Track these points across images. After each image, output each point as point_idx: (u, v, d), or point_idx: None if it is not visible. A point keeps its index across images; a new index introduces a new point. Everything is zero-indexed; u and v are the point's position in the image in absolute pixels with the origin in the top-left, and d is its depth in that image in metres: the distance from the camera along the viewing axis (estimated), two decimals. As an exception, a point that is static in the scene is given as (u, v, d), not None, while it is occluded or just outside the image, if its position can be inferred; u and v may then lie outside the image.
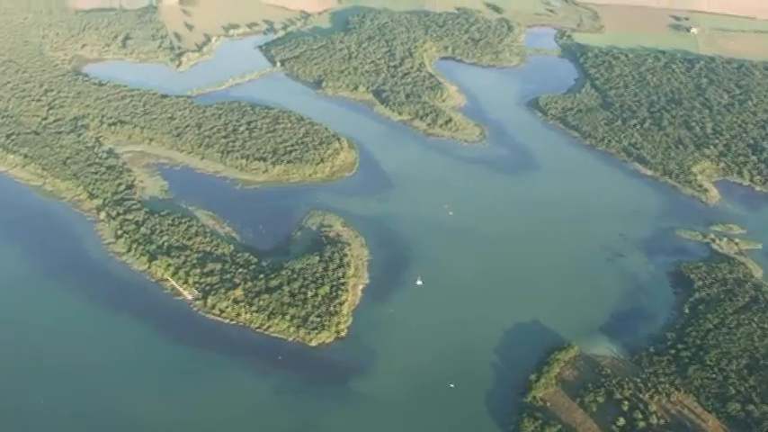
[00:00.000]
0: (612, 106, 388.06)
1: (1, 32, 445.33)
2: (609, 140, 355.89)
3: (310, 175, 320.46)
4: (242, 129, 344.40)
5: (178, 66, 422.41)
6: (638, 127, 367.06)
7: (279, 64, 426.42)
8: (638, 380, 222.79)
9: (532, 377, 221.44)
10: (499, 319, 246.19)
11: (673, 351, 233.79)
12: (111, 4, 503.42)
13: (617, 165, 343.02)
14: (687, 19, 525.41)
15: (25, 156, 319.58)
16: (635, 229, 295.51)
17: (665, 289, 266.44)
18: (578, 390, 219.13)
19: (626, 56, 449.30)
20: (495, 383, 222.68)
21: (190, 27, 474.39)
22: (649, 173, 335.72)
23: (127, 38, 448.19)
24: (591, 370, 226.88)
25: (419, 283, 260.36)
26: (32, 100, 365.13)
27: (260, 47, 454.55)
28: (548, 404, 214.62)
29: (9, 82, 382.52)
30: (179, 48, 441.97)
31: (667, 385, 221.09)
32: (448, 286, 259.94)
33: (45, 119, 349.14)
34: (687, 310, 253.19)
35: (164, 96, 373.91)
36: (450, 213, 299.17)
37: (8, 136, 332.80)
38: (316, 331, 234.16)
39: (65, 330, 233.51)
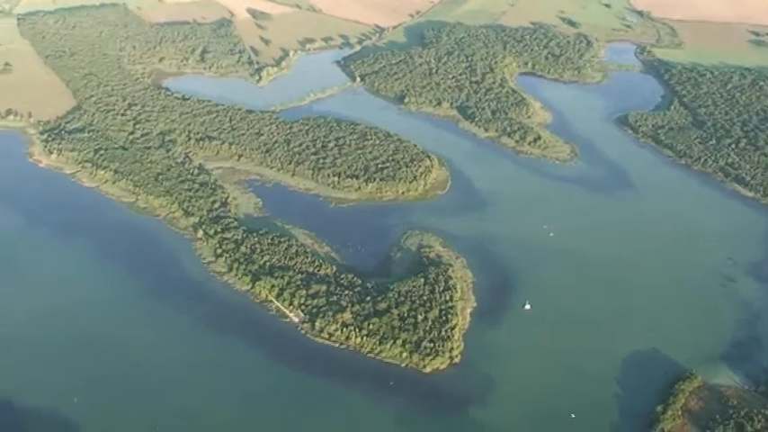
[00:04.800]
0: (704, 125, 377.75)
1: (79, 46, 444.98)
2: (705, 160, 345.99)
3: (403, 194, 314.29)
4: (331, 145, 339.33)
5: (258, 80, 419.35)
6: (734, 146, 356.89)
7: (358, 79, 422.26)
8: None
9: (659, 408, 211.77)
10: (614, 345, 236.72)
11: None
12: (184, 18, 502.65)
13: (715, 185, 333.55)
14: (767, 34, 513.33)
15: (115, 171, 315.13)
16: (742, 253, 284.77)
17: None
18: (707, 422, 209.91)
19: (711, 73, 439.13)
20: (618, 414, 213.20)
21: (266, 41, 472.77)
22: (749, 194, 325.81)
23: (204, 51, 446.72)
24: (716, 401, 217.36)
25: (527, 307, 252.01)
26: (117, 114, 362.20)
27: (337, 61, 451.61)
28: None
29: (92, 95, 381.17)
30: (257, 62, 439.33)
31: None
32: (557, 311, 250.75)
33: (132, 133, 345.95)
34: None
35: (249, 112, 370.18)
36: (551, 234, 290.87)
37: (96, 151, 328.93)
38: (430, 357, 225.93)
39: (171, 352, 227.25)
